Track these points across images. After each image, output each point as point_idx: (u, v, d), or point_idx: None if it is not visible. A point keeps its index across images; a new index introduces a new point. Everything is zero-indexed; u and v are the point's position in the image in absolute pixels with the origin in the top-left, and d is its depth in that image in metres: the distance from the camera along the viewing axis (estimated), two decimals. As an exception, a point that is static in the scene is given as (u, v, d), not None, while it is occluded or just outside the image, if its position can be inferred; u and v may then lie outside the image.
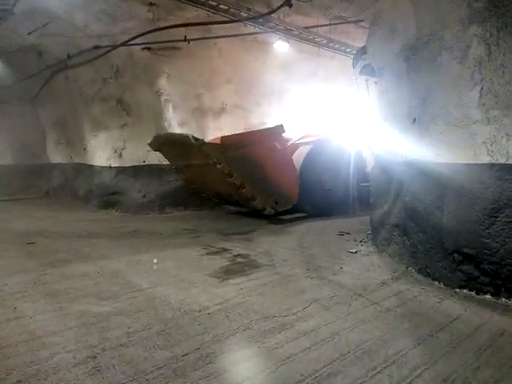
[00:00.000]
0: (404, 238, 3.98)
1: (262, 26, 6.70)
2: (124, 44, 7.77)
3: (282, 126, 6.64)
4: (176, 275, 3.95)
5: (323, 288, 3.47)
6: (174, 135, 6.75)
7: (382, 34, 4.74)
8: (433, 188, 3.48)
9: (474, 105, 3.04)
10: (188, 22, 6.78)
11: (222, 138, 6.59)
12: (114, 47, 7.89)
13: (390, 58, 4.59)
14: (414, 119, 3.82)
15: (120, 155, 9.38)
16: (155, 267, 4.26)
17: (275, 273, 3.97)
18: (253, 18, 6.32)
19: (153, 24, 7.15)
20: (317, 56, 9.40)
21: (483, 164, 3.06)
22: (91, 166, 10.15)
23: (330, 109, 9.85)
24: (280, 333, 2.60)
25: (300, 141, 7.52)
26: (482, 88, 2.98)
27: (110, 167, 9.46)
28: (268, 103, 9.78)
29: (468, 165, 3.14)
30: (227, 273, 4.00)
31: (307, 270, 4.04)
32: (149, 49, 8.26)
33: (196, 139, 5.98)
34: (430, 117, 3.52)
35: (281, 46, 7.89)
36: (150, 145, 7.27)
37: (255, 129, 8.38)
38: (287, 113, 9.89)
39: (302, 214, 7.50)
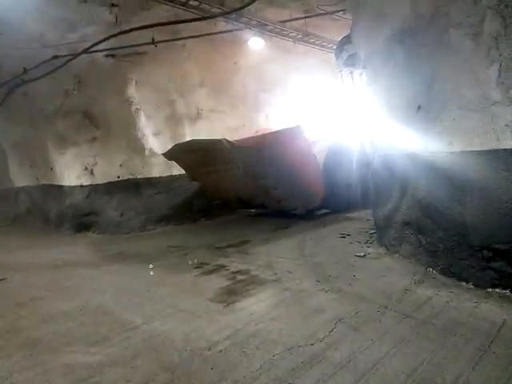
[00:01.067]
0: (419, 236, 3.66)
1: (235, 21, 6.29)
2: (85, 51, 7.16)
3: (301, 126, 6.56)
4: (173, 304, 3.48)
5: (342, 303, 3.09)
6: (203, 141, 6.52)
7: (369, 21, 4.44)
8: (449, 180, 3.17)
9: (492, 84, 2.75)
10: (154, 23, 6.28)
11: (251, 138, 6.73)
12: (75, 56, 7.27)
13: (378, 44, 4.29)
14: (419, 107, 3.52)
15: (91, 172, 8.71)
16: (147, 296, 3.77)
17: (284, 289, 3.56)
18: (226, 14, 5.91)
19: (116, 28, 6.60)
20: (290, 53, 9.10)
21: (507, 149, 2.77)
22: (61, 187, 9.39)
23: (315, 105, 9.54)
24: (312, 368, 2.19)
25: (319, 140, 7.43)
26: (500, 65, 2.69)
27: (82, 186, 8.78)
28: (243, 105, 9.37)
29: (490, 151, 2.84)
30: (230, 295, 3.56)
31: (318, 282, 3.65)
32: (113, 56, 7.68)
33: (229, 142, 5.72)
34: (439, 102, 3.22)
35: (256, 43, 7.51)
36: (167, 154, 7.08)
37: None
38: (266, 113, 9.53)
39: (292, 219, 7.15)
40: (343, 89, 5.99)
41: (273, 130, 7.37)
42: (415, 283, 3.33)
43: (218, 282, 4.00)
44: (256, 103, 9.43)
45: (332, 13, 6.26)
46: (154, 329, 2.98)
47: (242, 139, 7.08)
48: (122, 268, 5.03)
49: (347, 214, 7.05)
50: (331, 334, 2.58)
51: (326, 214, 7.29)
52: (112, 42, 7.22)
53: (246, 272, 4.23)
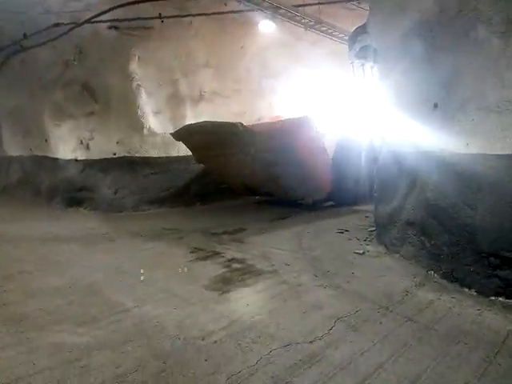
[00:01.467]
0: (422, 237, 3.57)
1: (247, 1, 6.04)
2: (88, 21, 6.90)
3: (308, 116, 6.39)
4: (166, 288, 3.37)
5: (342, 300, 3.01)
6: (218, 123, 6.32)
7: (388, 12, 4.27)
8: (462, 182, 3.07)
9: (518, 87, 2.63)
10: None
11: (263, 124, 6.67)
12: (78, 25, 7.00)
13: (395, 38, 4.13)
14: (435, 105, 3.40)
15: (87, 147, 8.50)
16: (140, 278, 3.65)
17: (281, 281, 3.46)
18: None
19: (122, -1, 6.35)
20: (298, 41, 8.88)
21: (526, 155, 2.67)
22: (55, 160, 9.15)
23: (322, 97, 9.35)
24: (311, 367, 2.10)
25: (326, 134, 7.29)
26: (529, 68, 2.57)
27: (76, 160, 8.57)
28: (247, 90, 9.16)
29: (510, 156, 2.74)
30: (225, 283, 3.46)
31: (316, 277, 3.56)
32: (116, 28, 7.40)
33: (243, 126, 5.62)
34: (457, 102, 3.10)
35: (266, 26, 7.28)
36: (175, 134, 6.92)
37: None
38: (270, 101, 9.34)
39: (291, 209, 7.05)
40: (354, 81, 5.83)
41: (280, 119, 7.25)
42: (416, 285, 3.25)
43: (213, 269, 3.89)
44: (260, 89, 9.22)
45: (347, 1, 6.05)
46: (145, 313, 2.87)
47: (254, 125, 6.94)
48: (115, 247, 4.90)
49: (353, 207, 7.03)
50: (330, 332, 2.49)
51: (331, 206, 7.25)
52: (117, 14, 6.95)
53: (242, 261, 4.12)
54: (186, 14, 6.96)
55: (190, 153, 8.46)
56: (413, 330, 2.52)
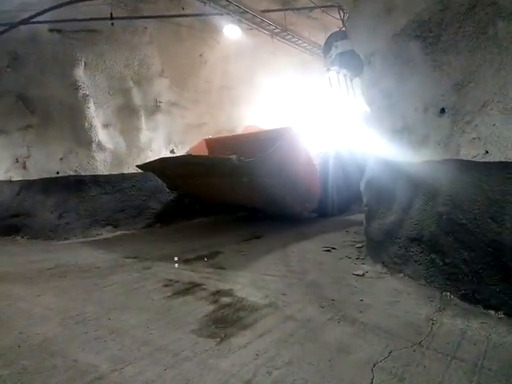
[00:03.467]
0: (433, 255, 3.26)
1: (212, 1, 5.55)
2: (25, 22, 6.01)
3: (292, 127, 6.24)
4: (147, 339, 2.69)
5: (366, 339, 2.55)
6: (206, 158, 6.13)
7: (372, 14, 4.01)
8: (484, 194, 2.79)
9: (547, 88, 2.39)
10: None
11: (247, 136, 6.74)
12: (12, 26, 6.08)
13: (384, 41, 3.89)
14: (442, 110, 3.12)
15: (24, 166, 7.42)
16: (108, 327, 2.93)
17: (285, 317, 2.94)
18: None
19: (66, -4, 5.58)
20: (259, 49, 8.56)
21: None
22: (-17, 181, 7.91)
23: (291, 106, 9.05)
24: None
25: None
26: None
27: (11, 181, 7.44)
28: (207, 101, 8.63)
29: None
30: (219, 326, 2.86)
31: (322, 308, 3.09)
32: (59, 31, 6.56)
33: (239, 160, 5.08)
34: (473, 105, 2.84)
35: (231, 32, 6.83)
36: (144, 166, 6.55)
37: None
38: (230, 112, 8.86)
39: (262, 226, 6.58)
40: (329, 90, 5.57)
41: (260, 130, 6.98)
42: (437, 311, 2.90)
43: (198, 306, 3.27)
44: (220, 100, 8.73)
45: (314, 7, 5.81)
46: (128, 379, 2.19)
47: (238, 136, 6.90)
48: (67, 286, 4.06)
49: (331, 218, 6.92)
50: (374, 386, 2.02)
51: (314, 217, 7.13)
52: (59, 15, 6.15)
53: (230, 293, 3.54)
54: (138, 16, 6.30)
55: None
56: (464, 371, 2.12)
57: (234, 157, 5.05)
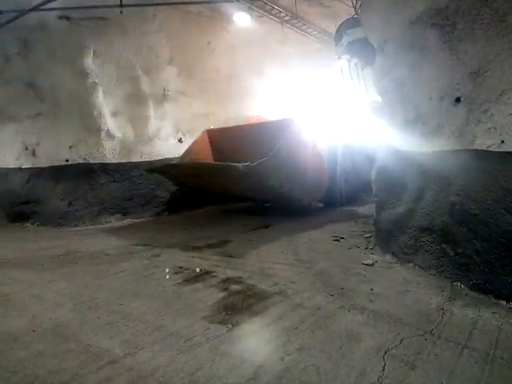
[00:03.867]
0: (444, 245, 3.24)
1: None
2: (35, 9, 5.97)
3: (297, 118, 6.18)
4: (158, 325, 2.73)
5: (376, 327, 2.56)
6: (210, 165, 6.16)
7: (387, 1, 3.94)
8: (497, 185, 2.76)
9: None
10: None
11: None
12: (22, 13, 6.05)
13: (398, 29, 3.81)
14: (457, 99, 3.08)
15: (33, 153, 7.45)
16: (120, 312, 2.96)
17: (295, 305, 2.96)
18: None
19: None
20: (267, 39, 8.46)
21: None
22: (-6, 169, 7.98)
23: (301, 96, 8.97)
24: (388, 432, 1.61)
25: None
26: None
27: (21, 169, 7.49)
28: (214, 90, 8.58)
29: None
30: (230, 312, 2.88)
31: (331, 297, 3.10)
32: (68, 18, 6.52)
33: (245, 166, 5.06)
34: (489, 95, 2.79)
35: (242, 19, 6.76)
36: (153, 170, 6.78)
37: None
38: (240, 101, 8.81)
39: (270, 216, 6.59)
40: (340, 79, 5.51)
41: (264, 121, 6.92)
42: (448, 301, 2.90)
43: (209, 293, 3.30)
44: (228, 89, 8.67)
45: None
46: (141, 363, 2.22)
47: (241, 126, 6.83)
48: (78, 271, 4.11)
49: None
50: (385, 373, 2.03)
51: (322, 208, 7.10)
52: (68, 2, 6.12)
53: (239, 281, 3.56)
54: (148, 3, 6.25)
55: (153, 158, 7.78)
56: (476, 360, 2.12)
57: (240, 165, 5.03)
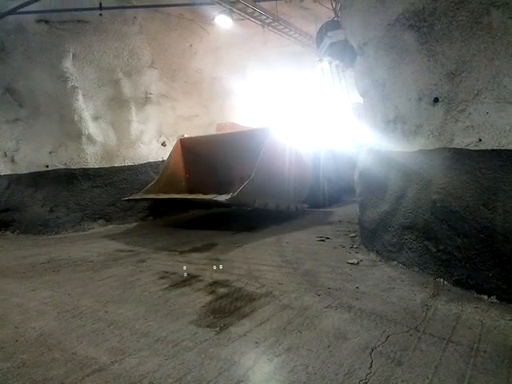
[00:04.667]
0: (426, 242, 3.31)
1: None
2: (12, 12, 5.87)
3: (272, 127, 6.06)
4: (145, 331, 2.70)
5: (362, 325, 2.59)
6: (191, 198, 5.94)
7: (366, 4, 4.01)
8: (476, 182, 2.83)
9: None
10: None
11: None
12: (-2, 16, 5.93)
13: (378, 30, 3.88)
14: (436, 99, 3.15)
15: (12, 159, 7.28)
16: (106, 319, 2.92)
17: (283, 306, 2.97)
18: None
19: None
20: (249, 40, 8.49)
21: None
22: (-30, 176, 7.75)
23: (283, 98, 9.00)
24: (377, 428, 1.64)
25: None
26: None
27: (0, 176, 7.30)
28: (198, 92, 8.55)
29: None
30: (219, 316, 2.87)
31: (318, 296, 3.13)
32: (47, 21, 6.41)
33: (229, 199, 5.00)
34: (466, 94, 2.87)
35: (223, 22, 6.75)
36: (130, 199, 6.62)
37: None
38: (222, 103, 8.80)
39: (253, 219, 6.59)
40: (321, 81, 5.56)
41: (243, 129, 6.88)
42: (431, 297, 2.96)
43: (196, 297, 3.28)
44: (211, 92, 8.65)
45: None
46: (129, 370, 2.19)
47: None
48: (61, 279, 4.03)
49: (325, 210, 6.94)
50: (372, 370, 2.06)
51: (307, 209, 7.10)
52: (45, 4, 6.03)
53: (226, 284, 3.56)
54: (128, 5, 6.19)
55: (136, 162, 7.72)
56: (460, 354, 2.17)
57: (222, 198, 4.99)
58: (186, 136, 7.53)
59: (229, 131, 7.30)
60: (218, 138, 7.19)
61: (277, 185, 5.85)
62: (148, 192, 6.53)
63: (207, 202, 5.43)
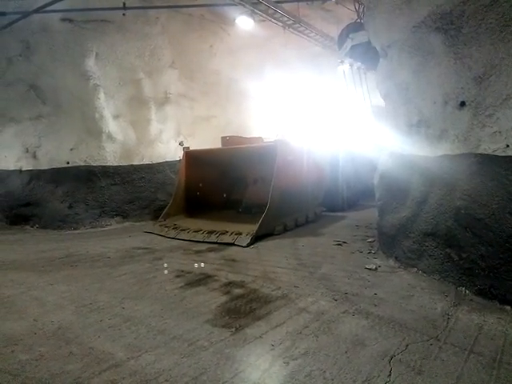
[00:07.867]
0: (448, 250, 3.23)
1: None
2: (38, 11, 6.00)
3: (282, 141, 5.90)
4: (161, 328, 2.70)
5: (381, 332, 2.54)
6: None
7: (391, 6, 3.94)
8: (502, 188, 2.75)
9: None
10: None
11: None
12: (24, 15, 6.06)
13: (402, 33, 3.82)
14: (462, 103, 3.07)
15: (34, 155, 7.44)
16: (123, 315, 2.94)
17: (299, 310, 2.94)
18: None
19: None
20: (269, 42, 8.48)
21: None
22: (-6, 171, 7.96)
23: (297, 101, 8.97)
24: None
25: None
26: None
27: (21, 171, 7.47)
28: (215, 93, 8.59)
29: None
30: (234, 316, 2.86)
31: (335, 301, 3.08)
32: (71, 20, 6.54)
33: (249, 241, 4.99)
34: (494, 99, 2.79)
35: (244, 23, 6.77)
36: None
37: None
38: (239, 104, 8.82)
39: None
40: (342, 83, 5.51)
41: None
42: (453, 306, 2.88)
43: (212, 297, 3.27)
44: (229, 93, 8.68)
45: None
46: (145, 367, 2.20)
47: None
48: (79, 274, 4.09)
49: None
50: (391, 378, 2.01)
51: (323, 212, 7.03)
52: (70, 4, 6.14)
53: (242, 285, 3.54)
54: (151, 6, 6.26)
55: (154, 161, 7.79)
56: (482, 366, 2.10)
57: (234, 240, 5.02)
58: (189, 148, 7.00)
59: (234, 146, 6.74)
60: (224, 152, 6.84)
61: (294, 198, 5.75)
62: (167, 216, 6.46)
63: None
